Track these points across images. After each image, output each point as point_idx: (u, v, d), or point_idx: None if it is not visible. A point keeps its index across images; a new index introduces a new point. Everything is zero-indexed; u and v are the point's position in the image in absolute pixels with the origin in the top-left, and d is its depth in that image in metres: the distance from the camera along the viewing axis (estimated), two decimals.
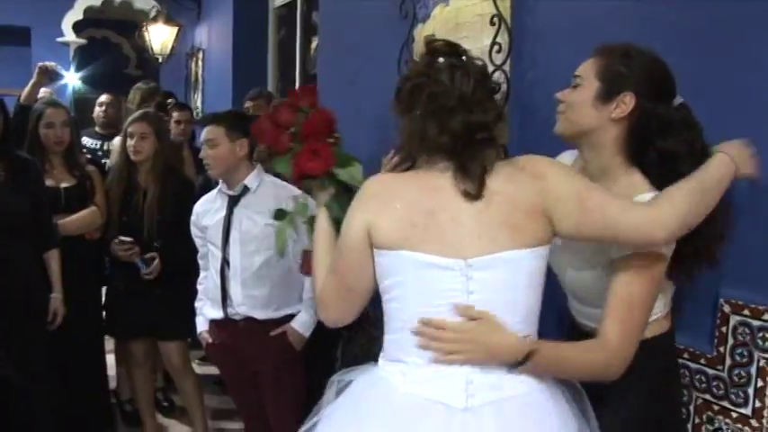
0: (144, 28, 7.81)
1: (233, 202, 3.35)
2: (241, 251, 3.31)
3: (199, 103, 7.94)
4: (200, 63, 8.05)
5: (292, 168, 1.98)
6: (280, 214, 2.27)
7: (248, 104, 5.16)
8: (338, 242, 1.82)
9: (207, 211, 3.46)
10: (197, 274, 3.61)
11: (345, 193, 2.00)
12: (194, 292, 3.61)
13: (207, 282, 3.49)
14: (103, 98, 5.64)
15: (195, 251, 3.58)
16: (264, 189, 3.35)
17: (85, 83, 9.83)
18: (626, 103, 1.85)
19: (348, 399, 1.82)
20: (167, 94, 5.81)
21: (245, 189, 3.34)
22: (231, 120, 3.39)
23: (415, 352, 1.72)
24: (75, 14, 9.19)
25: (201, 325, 3.52)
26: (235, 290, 3.33)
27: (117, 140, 4.74)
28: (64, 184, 3.89)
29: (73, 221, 3.84)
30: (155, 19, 7.81)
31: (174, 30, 7.77)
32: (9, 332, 3.31)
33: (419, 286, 1.71)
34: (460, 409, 1.67)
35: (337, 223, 1.94)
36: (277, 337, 3.32)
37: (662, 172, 1.84)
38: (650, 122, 1.85)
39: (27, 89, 4.60)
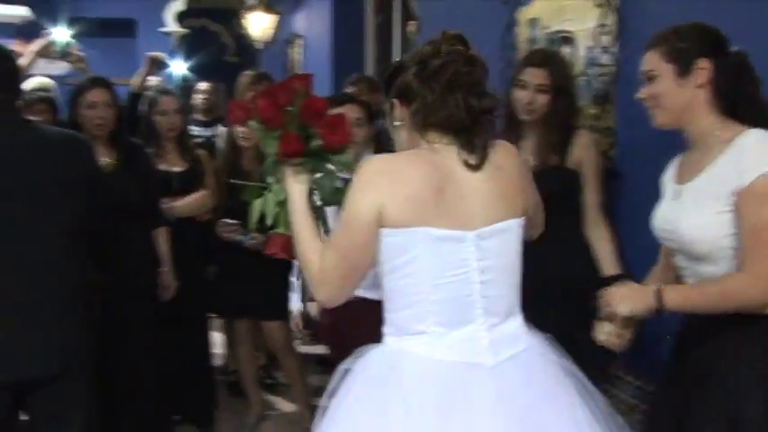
0: (244, 16, 7.98)
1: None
2: None
3: None
4: (299, 50, 8.18)
5: (280, 146, 1.98)
6: (250, 193, 2.19)
7: (349, 90, 5.22)
8: (343, 222, 1.85)
9: None
10: None
11: (334, 177, 2.05)
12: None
13: None
14: (203, 86, 5.82)
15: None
16: None
17: (188, 71, 10.14)
18: (703, 67, 2.00)
19: (373, 380, 1.86)
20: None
21: None
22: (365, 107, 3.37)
23: (435, 321, 1.82)
24: (178, 5, 9.45)
25: (296, 302, 3.60)
26: None
27: (223, 128, 4.92)
28: (176, 169, 4.04)
29: (186, 204, 3.99)
30: (254, 7, 7.97)
31: (274, 17, 7.92)
32: (119, 308, 3.47)
33: (434, 260, 1.81)
34: (490, 367, 1.81)
35: (323, 205, 2.04)
36: None
37: (753, 111, 2.01)
38: (727, 71, 2.01)
39: (137, 78, 4.78)
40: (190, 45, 9.94)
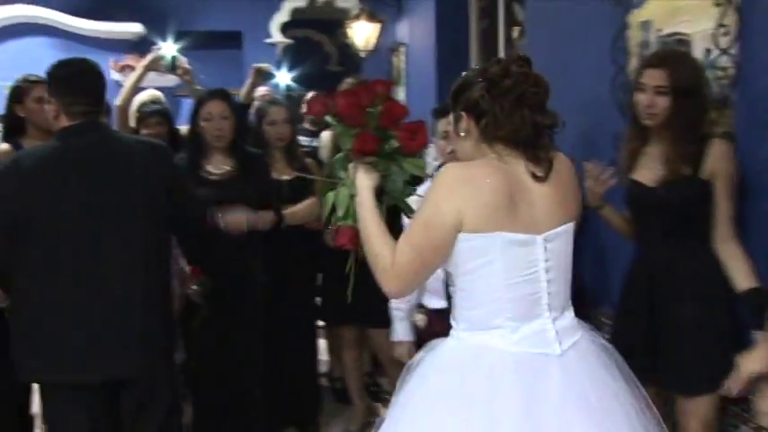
0: (348, 25, 8.06)
1: None
2: None
3: (402, 98, 8.11)
4: (402, 58, 8.21)
5: (356, 144, 2.11)
6: (323, 187, 2.32)
7: None
8: (422, 222, 2.01)
9: None
10: None
11: (405, 177, 2.19)
12: None
13: None
14: (310, 97, 5.90)
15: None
16: None
17: (293, 81, 10.31)
18: None
19: (452, 369, 2.06)
20: None
21: None
22: None
23: (509, 316, 2.04)
24: (282, 16, 9.60)
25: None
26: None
27: (326, 134, 4.96)
28: (285, 177, 4.11)
29: (297, 212, 4.06)
30: (357, 16, 8.04)
31: (377, 26, 7.97)
32: (229, 311, 3.61)
33: (509, 262, 2.02)
34: (557, 356, 2.05)
35: (390, 202, 2.19)
36: None
37: None
38: None
39: (245, 89, 4.90)
40: (294, 55, 10.10)
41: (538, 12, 4.64)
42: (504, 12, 6.14)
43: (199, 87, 5.11)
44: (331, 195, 2.25)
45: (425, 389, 2.08)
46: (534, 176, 2.05)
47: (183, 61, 5.28)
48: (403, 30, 8.26)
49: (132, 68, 8.33)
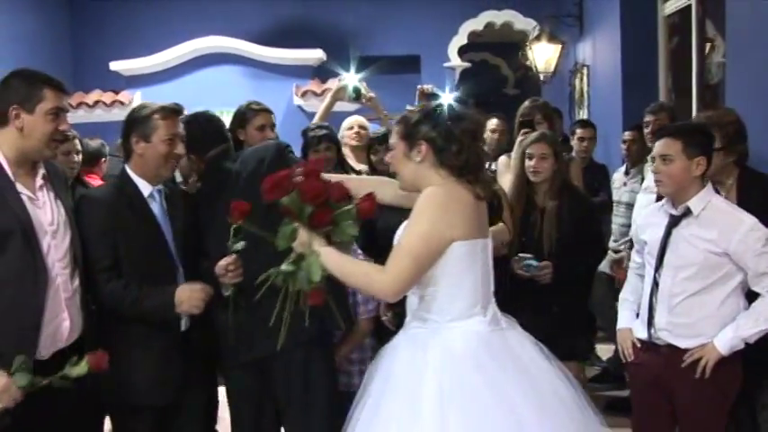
0: (527, 47, 7.90)
1: (673, 222, 3.16)
2: (673, 276, 3.12)
3: None
4: (584, 79, 7.94)
5: (314, 219, 2.51)
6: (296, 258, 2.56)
7: (648, 118, 4.95)
8: (422, 235, 2.43)
9: (649, 225, 3.31)
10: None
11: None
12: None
13: (640, 295, 3.36)
14: (493, 124, 5.75)
15: (592, 269, 3.52)
16: (709, 213, 3.08)
17: (464, 103, 10.21)
18: None
19: (447, 353, 2.47)
20: (554, 110, 5.73)
21: (688, 211, 3.11)
22: (691, 134, 3.13)
23: (481, 305, 2.56)
24: (459, 39, 9.57)
25: (624, 320, 3.44)
26: (660, 314, 3.17)
27: (503, 159, 4.80)
28: None
29: None
30: (538, 38, 7.86)
31: (558, 47, 7.77)
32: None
33: (482, 261, 2.56)
34: (505, 330, 2.61)
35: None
36: (704, 373, 3.07)
37: None
38: None
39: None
40: (471, 79, 10.03)
41: (738, 27, 4.30)
42: (696, 28, 5.79)
43: (386, 113, 5.11)
44: (302, 275, 2.53)
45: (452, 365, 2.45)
46: (478, 197, 2.54)
47: (367, 89, 5.31)
48: (585, 51, 7.99)
49: (314, 94, 8.63)
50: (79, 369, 2.54)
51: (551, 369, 2.59)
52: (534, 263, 3.80)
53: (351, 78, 5.50)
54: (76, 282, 2.82)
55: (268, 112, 4.09)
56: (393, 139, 2.69)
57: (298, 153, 4.45)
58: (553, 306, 3.85)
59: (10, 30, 8.87)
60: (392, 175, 3.68)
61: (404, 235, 2.51)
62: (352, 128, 5.04)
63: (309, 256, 2.52)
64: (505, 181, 4.44)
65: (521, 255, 3.86)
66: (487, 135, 5.63)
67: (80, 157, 4.07)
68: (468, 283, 2.53)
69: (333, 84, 8.61)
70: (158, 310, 2.91)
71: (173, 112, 3.03)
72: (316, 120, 4.96)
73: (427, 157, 2.55)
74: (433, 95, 5.22)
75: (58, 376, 2.52)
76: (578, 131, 5.81)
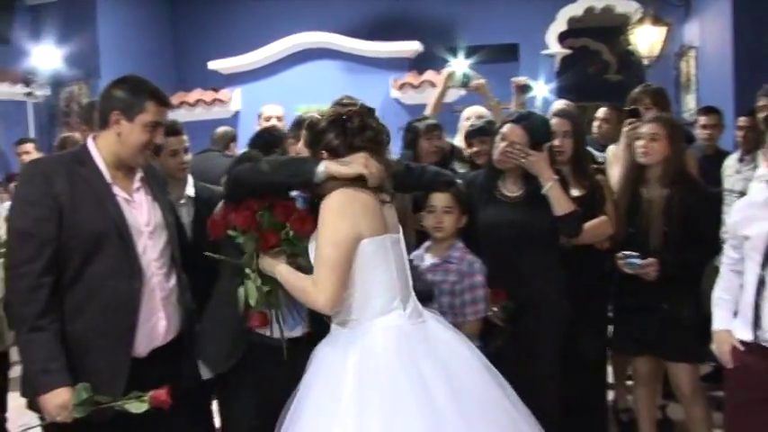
0: (630, 31, 7.63)
1: None
2: None
3: (692, 105, 7.52)
4: (691, 62, 7.62)
5: (262, 243, 2.73)
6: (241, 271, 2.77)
7: (762, 102, 4.69)
8: (329, 243, 2.49)
9: (755, 218, 3.08)
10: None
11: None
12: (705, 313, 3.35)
13: (739, 292, 3.14)
14: (601, 113, 5.54)
15: (700, 266, 3.42)
16: None
17: (564, 92, 9.96)
18: None
19: (366, 349, 2.51)
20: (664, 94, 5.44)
21: None
22: None
23: (399, 300, 2.60)
24: (558, 26, 9.34)
25: (721, 321, 3.20)
26: (767, 314, 2.95)
27: (611, 149, 4.62)
28: (574, 193, 3.84)
29: (589, 229, 3.77)
30: (641, 20, 7.58)
31: (662, 29, 7.47)
32: (529, 334, 3.47)
33: (395, 256, 2.62)
34: (425, 323, 2.66)
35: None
36: None
37: None
38: None
39: (513, 103, 4.77)
40: (572, 65, 9.78)
41: None
42: None
43: (496, 101, 5.01)
44: (241, 291, 2.75)
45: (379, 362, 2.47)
46: (382, 202, 2.63)
47: (476, 76, 5.23)
48: (692, 32, 7.67)
49: (411, 86, 8.56)
50: (139, 405, 2.57)
51: (473, 358, 2.66)
52: (637, 261, 3.63)
53: (459, 65, 5.43)
54: (173, 281, 2.86)
55: None
56: (300, 144, 2.87)
57: (397, 147, 4.42)
58: (662, 304, 3.67)
59: (115, 32, 9.16)
60: (490, 167, 3.63)
61: (315, 248, 2.56)
62: (469, 118, 4.97)
63: (248, 280, 2.73)
64: (614, 173, 4.27)
65: (624, 252, 3.69)
66: (596, 124, 5.43)
67: (189, 155, 4.13)
68: (383, 278, 2.58)
69: (430, 75, 8.57)
70: None
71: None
72: (429, 111, 4.91)
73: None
74: (527, 87, 5.10)
75: (115, 405, 2.56)
76: (702, 119, 5.54)
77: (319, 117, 2.69)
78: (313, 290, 2.51)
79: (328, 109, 2.69)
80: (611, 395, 4.76)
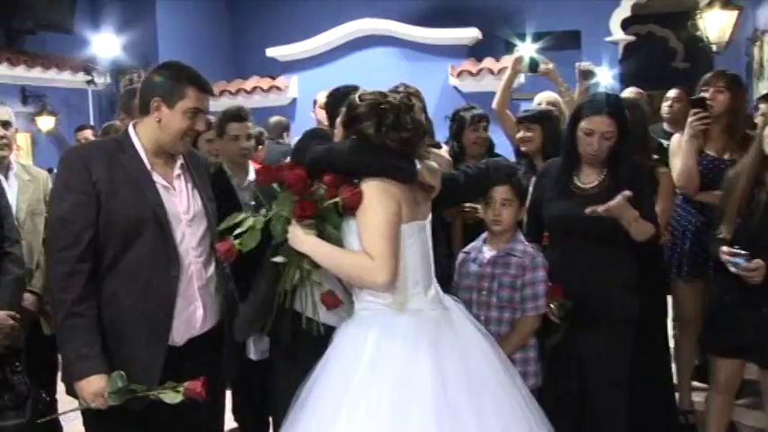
0: (698, 16, 7.34)
1: None
2: None
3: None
4: (765, 48, 7.30)
5: (298, 210, 2.56)
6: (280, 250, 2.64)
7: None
8: (381, 220, 2.47)
9: None
10: None
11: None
12: None
13: None
14: (672, 93, 5.30)
15: None
16: None
17: (627, 80, 9.68)
18: None
19: (385, 332, 2.52)
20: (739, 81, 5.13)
21: None
22: None
23: (422, 285, 2.62)
24: (622, 12, 9.10)
25: None
26: None
27: (676, 138, 4.39)
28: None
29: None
30: (710, 4, 7.27)
31: (733, 14, 7.14)
32: (599, 334, 3.30)
33: (420, 243, 2.62)
34: (447, 310, 2.68)
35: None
36: None
37: None
38: None
39: (577, 92, 4.60)
40: (636, 53, 9.50)
41: None
42: None
43: (566, 86, 4.84)
44: (254, 221, 2.60)
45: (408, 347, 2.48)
46: (423, 188, 2.66)
47: (545, 61, 5.07)
48: (765, 16, 7.35)
49: (470, 73, 8.43)
50: (174, 396, 2.53)
51: (491, 352, 2.65)
52: (743, 262, 3.31)
53: (526, 49, 5.27)
54: (211, 270, 2.82)
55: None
56: (338, 120, 2.76)
57: (443, 136, 4.30)
58: (762, 307, 3.37)
59: (174, 20, 9.23)
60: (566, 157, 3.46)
61: (365, 227, 2.50)
62: (540, 104, 4.82)
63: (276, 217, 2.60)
64: (675, 162, 4.07)
65: (732, 249, 3.36)
66: (667, 104, 5.21)
67: (251, 142, 4.08)
68: (409, 264, 2.57)
69: (489, 63, 8.42)
70: None
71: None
72: (497, 97, 4.74)
73: None
74: (590, 73, 4.90)
75: (150, 395, 2.53)
76: (762, 106, 5.26)
77: (359, 101, 2.60)
78: (372, 264, 2.44)
79: (369, 93, 2.62)
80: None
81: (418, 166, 2.63)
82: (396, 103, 2.57)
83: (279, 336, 2.85)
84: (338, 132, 2.74)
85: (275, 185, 2.65)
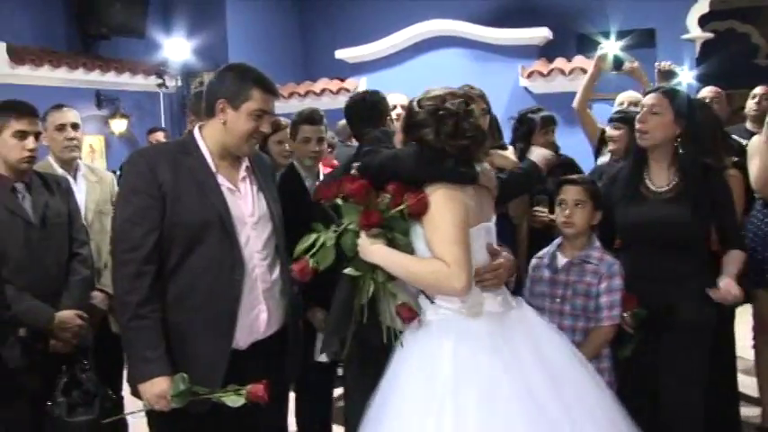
0: None
1: None
2: None
3: None
4: None
5: (363, 219, 2.54)
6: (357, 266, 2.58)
7: None
8: (452, 225, 2.43)
9: None
10: None
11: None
12: None
13: None
14: (759, 89, 5.09)
15: None
16: None
17: (706, 79, 9.38)
18: None
19: (461, 336, 2.48)
20: None
21: None
22: None
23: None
24: (699, 8, 8.83)
25: None
26: None
27: (755, 140, 4.20)
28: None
29: None
30: None
31: None
32: (676, 344, 3.19)
33: (485, 244, 2.61)
34: (516, 309, 2.67)
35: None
36: None
37: None
38: None
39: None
40: (715, 50, 9.20)
41: None
42: None
43: (651, 86, 4.70)
44: (325, 238, 2.58)
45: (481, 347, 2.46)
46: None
47: (630, 59, 4.93)
48: None
49: (540, 74, 8.28)
50: (236, 399, 2.51)
51: (565, 346, 2.65)
52: None
53: (611, 47, 5.14)
54: (276, 273, 2.79)
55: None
56: (398, 124, 2.80)
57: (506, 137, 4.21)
58: None
59: (243, 23, 9.32)
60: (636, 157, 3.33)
61: (435, 233, 2.47)
62: (622, 103, 4.71)
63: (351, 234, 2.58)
64: (753, 164, 3.89)
65: None
66: (754, 101, 5.03)
67: (323, 146, 4.08)
68: (478, 266, 2.54)
69: (560, 63, 8.26)
70: None
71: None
72: (579, 96, 4.65)
73: None
74: (671, 73, 4.75)
75: (212, 398, 2.52)
76: None
77: (418, 107, 2.56)
78: (448, 271, 2.40)
79: (429, 98, 2.58)
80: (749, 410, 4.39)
81: (477, 168, 2.59)
82: (454, 109, 2.51)
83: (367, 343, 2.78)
84: (398, 137, 2.71)
85: (338, 200, 2.62)
